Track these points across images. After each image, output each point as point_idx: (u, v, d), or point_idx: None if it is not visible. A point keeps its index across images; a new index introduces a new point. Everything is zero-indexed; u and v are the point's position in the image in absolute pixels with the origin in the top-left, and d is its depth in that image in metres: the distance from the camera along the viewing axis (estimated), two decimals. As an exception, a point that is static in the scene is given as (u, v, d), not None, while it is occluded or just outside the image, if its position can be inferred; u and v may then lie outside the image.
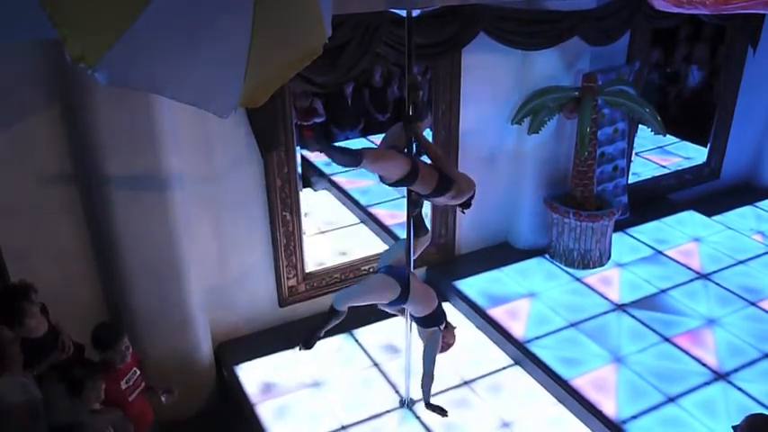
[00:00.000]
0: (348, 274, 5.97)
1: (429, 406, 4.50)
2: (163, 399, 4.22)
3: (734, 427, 3.30)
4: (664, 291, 6.08)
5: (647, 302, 5.91)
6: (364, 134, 8.67)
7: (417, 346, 4.53)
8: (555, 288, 6.18)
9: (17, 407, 3.40)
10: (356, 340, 5.65)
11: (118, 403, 3.83)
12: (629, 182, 7.35)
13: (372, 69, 8.39)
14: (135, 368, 4.07)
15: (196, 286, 4.96)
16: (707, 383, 4.99)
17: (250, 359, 5.38)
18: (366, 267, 6.02)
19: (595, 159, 6.29)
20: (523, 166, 6.49)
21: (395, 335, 5.45)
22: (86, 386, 3.51)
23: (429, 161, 4.16)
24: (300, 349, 4.32)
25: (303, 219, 5.64)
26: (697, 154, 8.37)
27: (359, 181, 7.83)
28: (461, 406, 4.95)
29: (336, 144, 4.34)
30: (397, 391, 5.05)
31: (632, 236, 6.99)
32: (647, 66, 7.13)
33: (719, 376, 5.06)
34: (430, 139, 4.53)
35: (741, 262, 6.55)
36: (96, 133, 4.17)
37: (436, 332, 4.38)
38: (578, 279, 6.30)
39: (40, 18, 1.88)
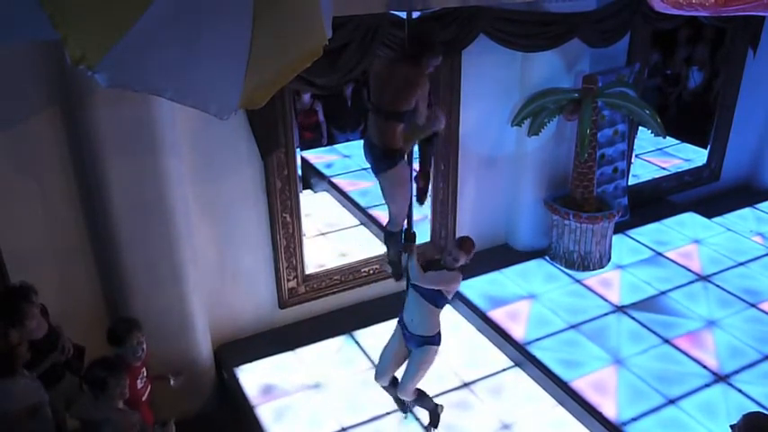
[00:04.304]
0: (348, 276, 5.97)
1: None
2: (172, 381, 4.23)
3: (731, 426, 3.31)
4: (664, 292, 6.08)
5: (648, 304, 5.91)
6: (364, 136, 8.65)
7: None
8: (555, 290, 6.17)
9: (24, 409, 3.41)
10: (356, 342, 5.64)
11: (133, 402, 3.84)
12: (629, 183, 7.35)
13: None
14: (144, 369, 4.08)
15: (196, 288, 4.95)
16: (707, 385, 4.99)
17: (250, 361, 5.38)
18: (366, 269, 6.01)
19: (595, 161, 6.29)
20: (523, 168, 6.49)
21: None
22: (110, 383, 3.52)
23: None
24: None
25: (303, 220, 5.64)
26: (697, 156, 8.38)
27: (359, 183, 7.84)
28: (461, 408, 4.94)
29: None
30: (397, 393, 5.05)
31: (632, 237, 6.99)
32: (647, 67, 7.14)
33: (720, 378, 5.05)
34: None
35: (741, 264, 6.55)
36: (96, 134, 4.17)
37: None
38: (578, 281, 6.29)
39: (40, 18, 1.88)
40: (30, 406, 3.42)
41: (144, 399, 4.05)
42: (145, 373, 4.09)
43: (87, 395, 3.60)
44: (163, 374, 4.26)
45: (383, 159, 3.99)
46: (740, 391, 4.92)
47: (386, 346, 4.54)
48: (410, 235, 4.30)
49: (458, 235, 6.46)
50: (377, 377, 4.54)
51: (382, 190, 4.16)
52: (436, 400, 4.72)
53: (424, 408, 4.64)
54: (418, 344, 4.31)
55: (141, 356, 3.97)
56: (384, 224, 4.45)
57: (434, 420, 4.66)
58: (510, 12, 5.44)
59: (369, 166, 4.22)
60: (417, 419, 4.82)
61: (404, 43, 3.93)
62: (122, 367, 3.68)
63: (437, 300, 4.20)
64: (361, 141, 4.33)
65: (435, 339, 4.33)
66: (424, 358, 4.32)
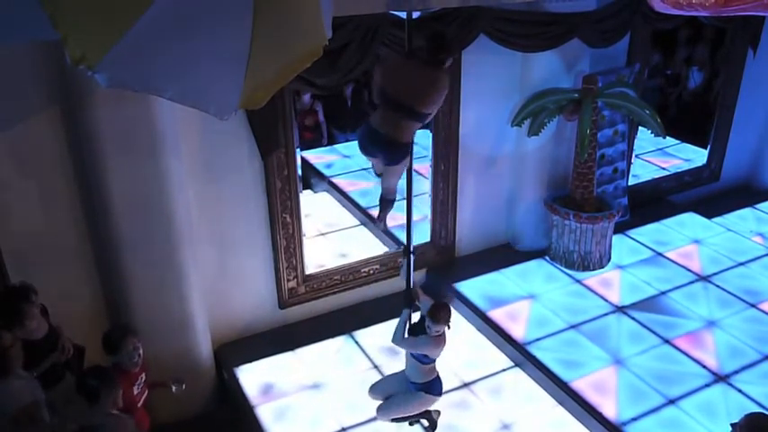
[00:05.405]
0: (348, 276, 5.97)
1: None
2: (173, 388, 4.20)
3: (732, 425, 3.31)
4: (664, 293, 6.08)
5: (648, 304, 5.91)
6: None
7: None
8: (555, 290, 6.17)
9: (23, 409, 3.41)
10: (356, 342, 5.64)
11: (128, 408, 3.82)
12: (629, 184, 7.35)
13: (372, 71, 8.40)
14: (144, 374, 4.07)
15: (196, 288, 4.95)
16: (707, 385, 4.99)
17: (250, 361, 5.38)
18: (366, 269, 6.01)
19: (595, 161, 6.29)
20: (523, 168, 6.49)
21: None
22: (102, 394, 3.50)
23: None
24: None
25: (303, 220, 5.64)
26: (697, 156, 8.38)
27: (359, 183, 7.84)
28: (461, 408, 4.94)
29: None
30: (397, 393, 5.05)
31: (632, 238, 6.99)
32: (647, 68, 7.14)
33: (719, 378, 5.05)
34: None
35: (741, 264, 6.55)
36: (96, 134, 4.17)
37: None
38: (578, 281, 6.29)
39: (40, 19, 1.88)
40: (24, 406, 3.41)
41: (140, 404, 4.03)
42: (143, 379, 4.06)
43: (81, 401, 3.58)
44: (163, 381, 4.23)
45: (396, 152, 4.04)
46: (740, 391, 4.92)
47: (394, 372, 4.67)
48: (411, 298, 4.41)
49: (458, 235, 6.49)
50: (371, 391, 4.62)
51: (382, 173, 4.29)
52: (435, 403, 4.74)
53: (422, 418, 4.70)
54: (414, 388, 4.44)
55: (138, 362, 3.94)
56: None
57: (432, 424, 4.70)
58: (510, 12, 5.44)
59: (366, 154, 4.24)
60: (418, 420, 4.81)
61: (422, 46, 3.92)
62: (114, 377, 3.64)
63: (421, 358, 4.33)
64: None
65: (430, 388, 4.43)
66: (415, 401, 4.44)
